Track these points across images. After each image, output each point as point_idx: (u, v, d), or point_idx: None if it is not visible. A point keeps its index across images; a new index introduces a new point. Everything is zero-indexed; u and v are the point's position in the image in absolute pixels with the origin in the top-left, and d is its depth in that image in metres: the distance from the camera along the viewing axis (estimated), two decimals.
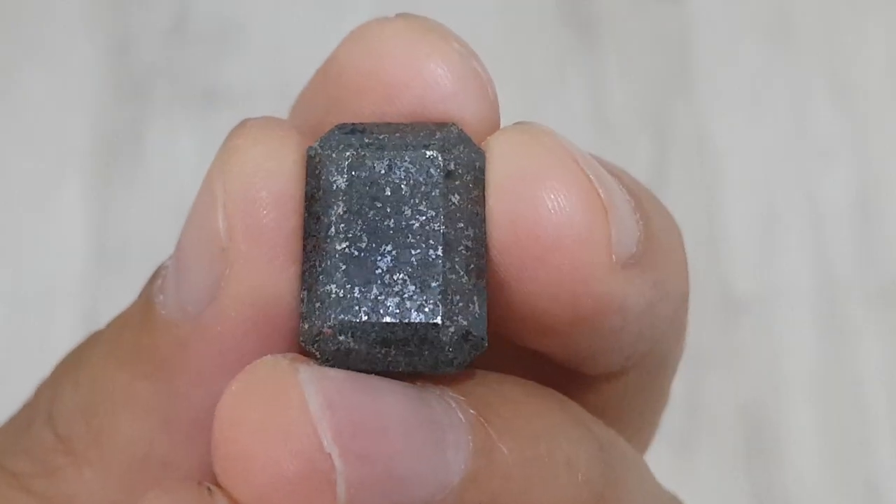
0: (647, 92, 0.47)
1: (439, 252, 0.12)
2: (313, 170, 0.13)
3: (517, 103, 0.46)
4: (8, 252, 0.45)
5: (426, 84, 0.13)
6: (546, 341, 0.13)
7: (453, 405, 0.12)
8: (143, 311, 0.14)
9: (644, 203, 0.14)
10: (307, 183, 0.13)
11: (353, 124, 0.13)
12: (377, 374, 0.12)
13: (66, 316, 0.44)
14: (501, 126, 0.13)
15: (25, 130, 0.47)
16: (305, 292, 0.12)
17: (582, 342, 0.13)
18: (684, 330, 0.15)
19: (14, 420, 0.15)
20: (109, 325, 0.14)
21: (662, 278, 0.13)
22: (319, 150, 0.13)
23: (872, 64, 0.48)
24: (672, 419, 0.43)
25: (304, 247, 0.13)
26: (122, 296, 0.49)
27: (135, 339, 0.13)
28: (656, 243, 0.13)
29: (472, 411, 0.12)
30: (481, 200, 0.13)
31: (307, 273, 0.12)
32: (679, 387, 0.47)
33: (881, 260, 0.45)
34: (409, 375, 0.12)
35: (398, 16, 0.13)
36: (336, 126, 0.13)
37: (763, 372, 0.43)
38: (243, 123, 0.13)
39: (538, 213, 0.12)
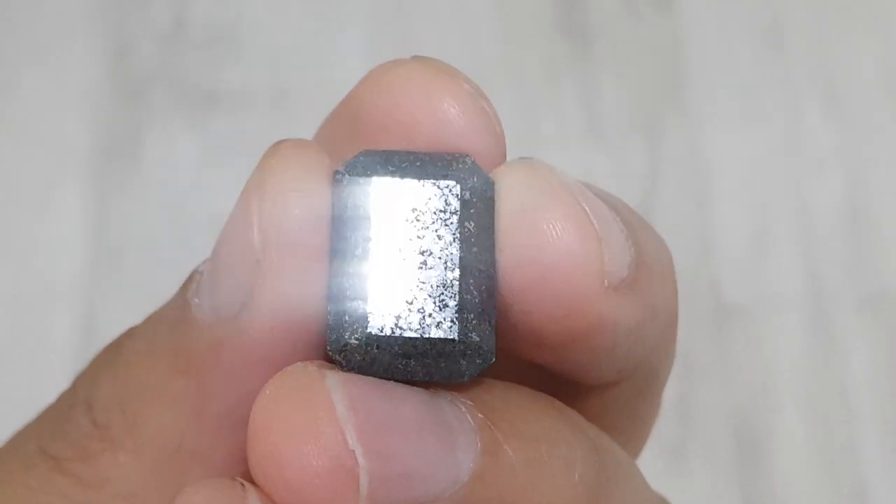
0: (640, 101, 0.48)
1: (456, 274, 0.13)
2: (340, 192, 0.14)
3: (512, 111, 0.47)
4: (7, 252, 0.45)
5: (440, 122, 0.14)
6: (545, 355, 0.15)
7: (463, 410, 0.13)
8: (180, 312, 0.15)
9: (637, 231, 0.15)
10: (334, 204, 0.14)
11: (378, 151, 0.14)
12: (396, 381, 0.13)
13: (64, 315, 0.44)
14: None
15: (25, 133, 0.47)
16: (332, 305, 0.13)
17: (577, 357, 0.14)
18: (673, 346, 0.16)
19: (53, 407, 0.16)
20: (146, 322, 0.15)
21: (652, 300, 0.15)
22: (347, 174, 0.14)
23: (863, 74, 0.49)
24: (664, 426, 0.43)
25: (332, 263, 0.14)
26: (120, 295, 0.49)
27: (171, 337, 0.14)
28: (647, 268, 0.14)
29: (480, 415, 0.13)
30: (492, 227, 0.14)
31: (334, 288, 0.13)
32: (671, 394, 0.47)
33: (870, 268, 0.45)
34: (424, 383, 0.14)
35: (414, 58, 0.14)
36: (361, 152, 0.14)
37: (753, 379, 0.43)
38: (278, 144, 0.14)
39: (539, 241, 0.13)
